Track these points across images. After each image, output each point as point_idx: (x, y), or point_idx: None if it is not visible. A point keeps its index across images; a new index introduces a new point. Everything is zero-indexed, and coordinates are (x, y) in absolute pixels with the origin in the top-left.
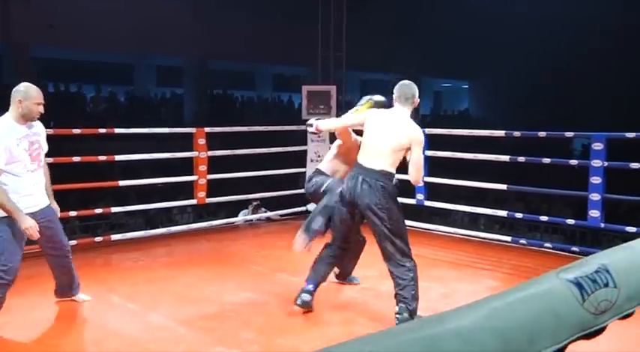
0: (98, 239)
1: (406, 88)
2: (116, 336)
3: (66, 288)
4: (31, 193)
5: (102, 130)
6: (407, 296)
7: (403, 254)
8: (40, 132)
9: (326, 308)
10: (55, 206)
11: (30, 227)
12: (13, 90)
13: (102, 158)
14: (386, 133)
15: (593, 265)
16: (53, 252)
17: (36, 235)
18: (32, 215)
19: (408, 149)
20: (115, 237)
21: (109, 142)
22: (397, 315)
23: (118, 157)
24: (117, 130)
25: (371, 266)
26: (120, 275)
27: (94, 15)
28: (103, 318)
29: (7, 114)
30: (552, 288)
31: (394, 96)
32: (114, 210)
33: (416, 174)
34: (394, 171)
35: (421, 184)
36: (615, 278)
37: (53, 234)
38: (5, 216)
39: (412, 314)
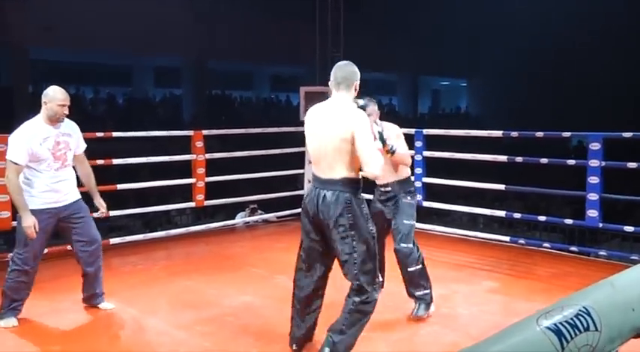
0: None
1: (339, 71)
2: (114, 342)
3: (91, 291)
4: (55, 189)
5: (99, 134)
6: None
7: (371, 277)
8: (70, 132)
9: (325, 312)
10: (99, 202)
11: (27, 226)
12: (43, 93)
13: (100, 162)
14: (323, 132)
15: (574, 308)
16: (82, 248)
17: (32, 235)
18: (55, 208)
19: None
20: (113, 240)
21: (107, 144)
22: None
23: (116, 161)
24: (115, 134)
25: None
26: (119, 279)
27: (92, 16)
28: (100, 323)
29: (38, 115)
30: (530, 338)
31: (329, 82)
32: (112, 213)
33: (370, 167)
34: (355, 173)
35: (379, 176)
36: (596, 320)
37: (81, 228)
38: (30, 209)
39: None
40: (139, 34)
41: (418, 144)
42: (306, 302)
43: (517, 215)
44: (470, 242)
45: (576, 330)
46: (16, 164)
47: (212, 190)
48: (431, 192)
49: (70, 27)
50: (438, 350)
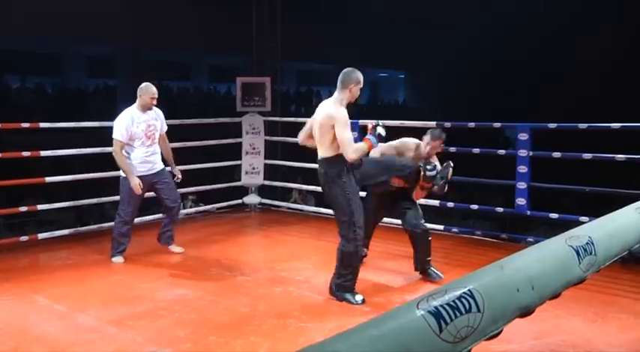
0: (24, 238)
1: (342, 75)
2: (40, 341)
3: (166, 237)
4: (146, 161)
5: (25, 125)
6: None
7: (346, 230)
8: (157, 117)
9: (260, 303)
10: (176, 171)
11: (134, 185)
12: (139, 87)
13: (26, 154)
14: (316, 121)
15: (457, 291)
16: (168, 204)
17: (139, 191)
18: (148, 175)
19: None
20: (42, 235)
21: (36, 135)
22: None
23: (44, 153)
24: (42, 125)
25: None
26: (47, 276)
27: (19, 2)
28: (26, 321)
29: (134, 104)
30: (407, 323)
31: None
32: (40, 207)
33: (346, 152)
34: (335, 153)
35: (354, 158)
36: (479, 302)
37: (166, 189)
38: (125, 177)
39: (345, 290)
40: (69, 20)
41: (354, 134)
42: None
43: (450, 204)
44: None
45: (457, 312)
46: (119, 141)
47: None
48: None
49: None
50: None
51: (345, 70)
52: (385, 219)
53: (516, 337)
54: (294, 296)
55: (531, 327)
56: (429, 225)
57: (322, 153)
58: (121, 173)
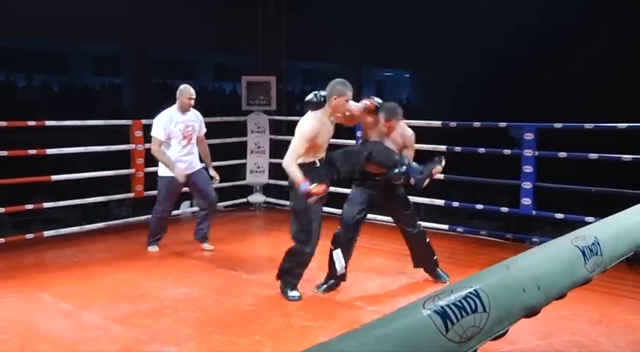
0: (29, 236)
1: (328, 86)
2: (45, 338)
3: (201, 234)
4: (183, 160)
5: (31, 123)
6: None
7: (299, 235)
8: (195, 119)
9: (265, 302)
10: (214, 173)
11: (178, 172)
12: (178, 89)
13: (32, 152)
14: None
15: (463, 291)
16: (203, 204)
17: (183, 178)
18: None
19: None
20: (47, 233)
21: (42, 134)
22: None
23: (50, 151)
24: (48, 123)
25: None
26: (53, 274)
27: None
28: (32, 319)
29: (173, 105)
30: (414, 322)
31: None
32: (46, 205)
33: (285, 157)
34: (302, 161)
35: (284, 165)
36: (485, 302)
37: (202, 189)
38: (164, 176)
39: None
40: (76, 19)
41: (359, 134)
42: None
43: (455, 203)
44: None
45: (463, 312)
46: (157, 139)
47: (153, 181)
48: None
49: (1, 11)
50: None
51: (332, 81)
52: (389, 218)
53: (521, 338)
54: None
55: (536, 328)
56: (434, 225)
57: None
58: (159, 172)
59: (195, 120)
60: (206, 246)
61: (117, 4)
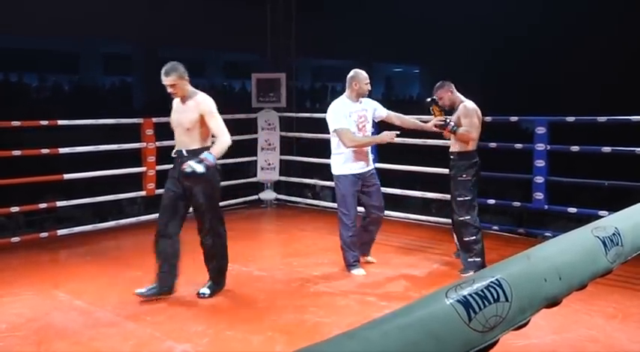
0: (44, 234)
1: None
2: (61, 335)
3: (365, 246)
4: (358, 158)
5: (44, 122)
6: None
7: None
8: (367, 108)
9: (277, 299)
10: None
11: (384, 138)
12: (348, 76)
13: (45, 151)
14: None
15: (485, 280)
16: (372, 210)
17: (392, 138)
18: (360, 175)
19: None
20: (61, 232)
21: (54, 133)
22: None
23: (63, 150)
24: (60, 122)
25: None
26: (67, 272)
27: (38, 1)
28: (48, 316)
29: (343, 95)
30: (437, 311)
31: None
32: (59, 204)
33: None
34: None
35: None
36: (507, 291)
37: (375, 194)
38: (342, 175)
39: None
40: (87, 19)
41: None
42: None
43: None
44: (423, 226)
45: (485, 301)
46: (345, 129)
47: (164, 179)
48: (386, 179)
49: (14, 13)
50: None
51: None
52: (400, 214)
53: (536, 332)
54: (310, 292)
55: (551, 322)
56: (446, 220)
57: None
58: (334, 171)
59: (366, 110)
60: (368, 258)
61: (127, 3)
